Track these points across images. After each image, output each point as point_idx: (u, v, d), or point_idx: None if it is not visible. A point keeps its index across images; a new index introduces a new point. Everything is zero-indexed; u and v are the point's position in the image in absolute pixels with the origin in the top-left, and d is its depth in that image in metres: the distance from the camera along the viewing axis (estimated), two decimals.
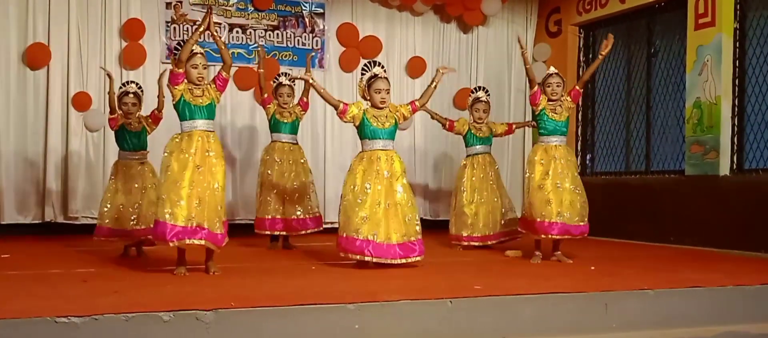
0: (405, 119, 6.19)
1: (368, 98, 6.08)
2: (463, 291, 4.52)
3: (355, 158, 6.15)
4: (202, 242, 5.43)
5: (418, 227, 6.06)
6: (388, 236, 5.87)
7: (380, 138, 6.01)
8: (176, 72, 5.50)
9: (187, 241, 5.37)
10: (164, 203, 5.36)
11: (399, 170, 6.01)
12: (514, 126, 8.00)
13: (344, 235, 5.92)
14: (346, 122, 6.13)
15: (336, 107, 6.07)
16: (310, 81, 6.22)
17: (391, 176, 5.95)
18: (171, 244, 5.35)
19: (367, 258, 5.83)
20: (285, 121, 7.58)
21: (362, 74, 6.18)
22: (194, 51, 5.55)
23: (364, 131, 6.04)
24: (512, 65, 10.50)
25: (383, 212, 5.88)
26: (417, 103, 6.21)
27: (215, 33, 5.70)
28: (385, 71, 6.11)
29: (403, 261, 5.92)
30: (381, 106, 6.03)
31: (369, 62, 6.22)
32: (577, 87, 6.75)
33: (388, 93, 6.06)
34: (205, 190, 5.44)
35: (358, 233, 5.82)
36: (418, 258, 6.01)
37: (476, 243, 7.63)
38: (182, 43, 5.63)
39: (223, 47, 5.73)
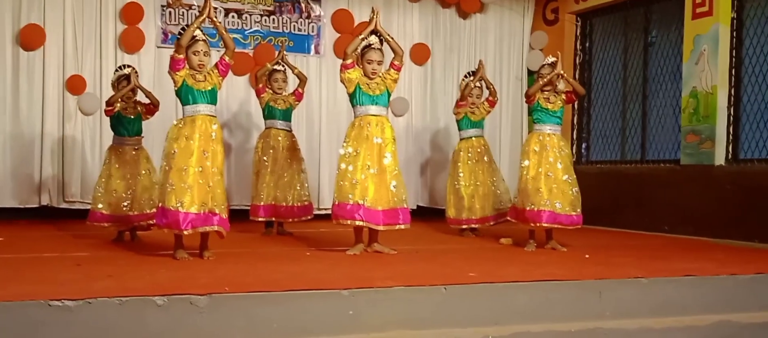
0: (395, 82, 6.14)
1: (360, 66, 6.07)
2: (457, 278, 4.52)
3: (349, 125, 6.16)
4: (216, 228, 5.45)
5: (404, 196, 6.06)
6: (375, 201, 5.89)
7: (371, 104, 6.00)
8: (177, 58, 5.50)
9: (201, 229, 5.39)
10: (172, 191, 5.35)
11: (389, 137, 6.00)
12: (491, 98, 7.87)
13: (337, 202, 5.93)
14: (342, 78, 6.07)
15: (346, 58, 6.02)
16: (378, 24, 6.06)
17: (381, 142, 5.96)
18: (186, 233, 5.35)
19: (358, 222, 5.84)
20: (279, 108, 7.59)
21: None
22: (196, 37, 5.55)
23: (355, 98, 6.04)
24: (511, 53, 10.49)
25: (371, 177, 5.90)
26: (396, 62, 6.12)
27: (216, 20, 5.69)
28: (380, 44, 6.08)
29: (386, 228, 5.93)
30: (371, 76, 6.02)
31: (367, 34, 6.16)
32: (571, 95, 6.76)
33: (379, 64, 6.03)
34: (214, 175, 5.47)
35: (349, 197, 5.84)
36: (403, 226, 6.01)
37: (475, 225, 7.72)
38: (184, 29, 5.61)
39: (224, 33, 5.74)
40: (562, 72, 6.64)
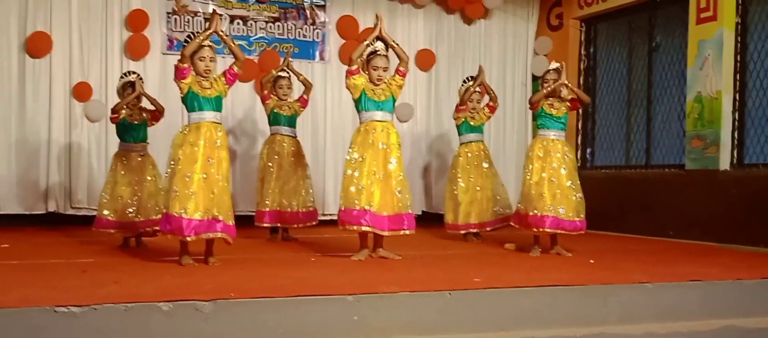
0: (400, 88, 6.14)
1: (366, 72, 6.08)
2: (462, 284, 4.51)
3: (354, 131, 6.17)
4: (219, 234, 5.46)
5: (409, 202, 6.07)
6: (380, 207, 5.89)
7: (377, 110, 6.01)
8: (181, 67, 5.51)
9: (204, 235, 5.40)
10: (176, 197, 5.36)
11: (394, 143, 6.01)
12: (492, 104, 7.90)
13: (343, 208, 5.94)
14: (347, 84, 6.07)
15: (351, 64, 6.01)
16: (383, 30, 6.05)
17: (386, 148, 5.96)
18: (189, 239, 5.36)
19: (364, 228, 5.86)
20: (284, 114, 7.60)
21: None
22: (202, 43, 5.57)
23: (361, 104, 6.05)
24: (516, 59, 10.49)
25: (377, 183, 5.90)
26: (401, 68, 6.12)
27: (222, 34, 5.69)
28: (386, 50, 6.08)
29: (391, 233, 5.94)
30: (377, 83, 6.04)
31: (371, 40, 6.16)
32: (576, 102, 6.75)
33: (385, 71, 6.05)
34: (219, 182, 5.47)
35: (355, 203, 5.85)
36: (408, 232, 6.01)
37: (473, 230, 7.71)
38: (191, 37, 5.64)
39: (233, 45, 5.76)
40: (566, 82, 6.63)
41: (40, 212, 8.69)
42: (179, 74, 5.53)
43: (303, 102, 7.75)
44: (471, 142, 7.80)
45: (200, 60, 5.55)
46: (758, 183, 7.44)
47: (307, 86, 7.78)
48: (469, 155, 7.78)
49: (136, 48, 8.87)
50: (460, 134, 7.89)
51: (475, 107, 7.79)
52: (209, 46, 5.59)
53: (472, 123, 7.78)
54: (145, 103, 6.87)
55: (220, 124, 5.62)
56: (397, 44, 6.20)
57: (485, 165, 7.78)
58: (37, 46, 8.55)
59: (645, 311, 4.57)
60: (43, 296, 3.92)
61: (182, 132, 5.57)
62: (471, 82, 7.80)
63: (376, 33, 6.04)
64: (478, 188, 7.73)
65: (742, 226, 7.43)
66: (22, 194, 8.61)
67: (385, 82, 6.07)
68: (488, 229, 7.75)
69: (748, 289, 4.90)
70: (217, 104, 5.59)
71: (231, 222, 5.55)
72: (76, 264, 5.48)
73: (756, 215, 7.34)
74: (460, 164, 7.79)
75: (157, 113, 6.81)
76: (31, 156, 8.64)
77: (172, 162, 5.50)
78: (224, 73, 5.66)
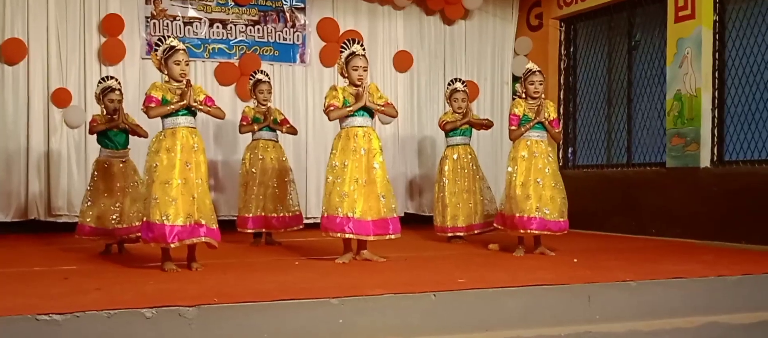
0: (381, 101, 6.14)
1: (346, 75, 6.06)
2: (446, 285, 4.51)
3: (335, 137, 6.15)
4: (203, 239, 5.42)
5: (393, 206, 6.06)
6: (364, 212, 5.88)
7: (357, 115, 5.99)
8: (149, 104, 5.50)
9: (187, 241, 5.36)
10: (157, 205, 5.32)
11: (376, 147, 6.00)
12: (485, 128, 7.99)
13: (326, 214, 5.93)
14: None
15: (329, 115, 6.00)
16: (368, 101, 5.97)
17: (368, 153, 5.95)
18: (173, 246, 5.32)
19: (347, 235, 5.85)
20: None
21: (341, 51, 6.13)
22: (176, 47, 5.52)
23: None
24: (496, 58, 10.52)
25: (360, 188, 5.89)
26: (393, 110, 6.22)
27: (196, 106, 5.54)
28: (363, 49, 6.07)
29: (376, 238, 5.94)
30: (358, 83, 6.01)
31: (348, 40, 6.15)
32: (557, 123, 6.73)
33: (365, 71, 6.03)
34: (198, 186, 5.44)
35: (337, 210, 5.84)
36: (393, 236, 6.02)
37: (461, 233, 7.71)
38: (163, 40, 5.60)
39: (210, 111, 5.68)
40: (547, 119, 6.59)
41: (20, 220, 8.61)
42: (149, 103, 5.52)
43: (284, 122, 7.72)
44: (458, 145, 7.80)
45: (176, 64, 5.51)
46: (738, 180, 7.50)
47: (293, 133, 7.87)
48: (455, 157, 7.77)
49: (111, 53, 8.79)
50: (447, 136, 7.89)
51: (461, 107, 7.76)
52: (183, 49, 5.56)
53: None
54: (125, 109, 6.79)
55: (195, 128, 5.59)
56: (384, 107, 6.13)
57: (472, 168, 7.78)
58: (10, 52, 8.45)
59: (629, 309, 4.59)
60: (24, 304, 3.88)
61: (158, 138, 5.53)
62: (458, 83, 7.81)
63: (361, 104, 5.94)
64: (464, 191, 7.72)
65: (723, 223, 7.49)
66: (2, 201, 8.52)
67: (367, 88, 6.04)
68: (476, 232, 7.75)
69: (729, 285, 4.93)
70: (190, 109, 5.54)
71: (214, 226, 5.51)
72: (57, 272, 5.43)
73: (736, 211, 7.39)
74: (447, 167, 7.78)
75: (138, 135, 6.70)
76: (10, 163, 8.55)
77: (150, 169, 5.46)
78: (206, 97, 5.65)
